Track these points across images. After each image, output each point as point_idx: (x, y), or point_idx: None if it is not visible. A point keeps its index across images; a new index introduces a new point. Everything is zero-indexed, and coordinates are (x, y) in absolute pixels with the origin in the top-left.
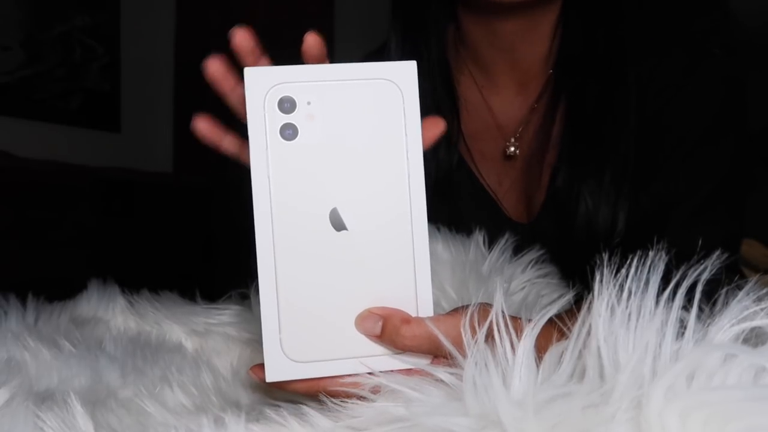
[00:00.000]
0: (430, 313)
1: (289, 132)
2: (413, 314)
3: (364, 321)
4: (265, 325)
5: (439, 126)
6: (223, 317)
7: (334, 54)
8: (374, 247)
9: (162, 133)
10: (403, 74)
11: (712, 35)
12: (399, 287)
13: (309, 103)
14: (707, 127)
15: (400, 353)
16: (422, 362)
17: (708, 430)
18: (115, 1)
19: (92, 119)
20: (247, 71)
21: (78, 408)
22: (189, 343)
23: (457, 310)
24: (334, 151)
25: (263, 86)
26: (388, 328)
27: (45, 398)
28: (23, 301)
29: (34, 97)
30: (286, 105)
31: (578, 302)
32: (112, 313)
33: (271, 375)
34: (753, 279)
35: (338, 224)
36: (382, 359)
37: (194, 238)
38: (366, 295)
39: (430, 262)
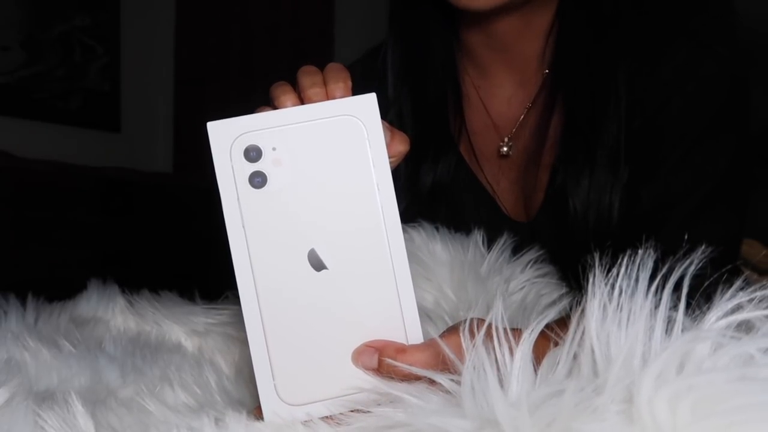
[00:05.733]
0: (420, 338)
1: (258, 180)
2: (403, 341)
3: (360, 355)
4: (258, 372)
5: (404, 144)
6: (222, 317)
7: (334, 54)
8: (356, 282)
9: (162, 133)
10: (364, 107)
11: (713, 31)
12: (386, 317)
13: (275, 149)
14: (707, 125)
15: (393, 382)
16: (415, 389)
17: (697, 414)
18: (115, 1)
19: (92, 119)
20: (210, 125)
21: (79, 407)
22: (189, 343)
23: (455, 327)
24: (305, 193)
25: (227, 138)
26: (384, 360)
27: (45, 398)
28: (23, 301)
29: (34, 97)
30: (252, 154)
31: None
32: (112, 313)
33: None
34: (743, 275)
35: (317, 264)
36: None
37: (194, 238)
38: (354, 330)
39: (413, 288)
